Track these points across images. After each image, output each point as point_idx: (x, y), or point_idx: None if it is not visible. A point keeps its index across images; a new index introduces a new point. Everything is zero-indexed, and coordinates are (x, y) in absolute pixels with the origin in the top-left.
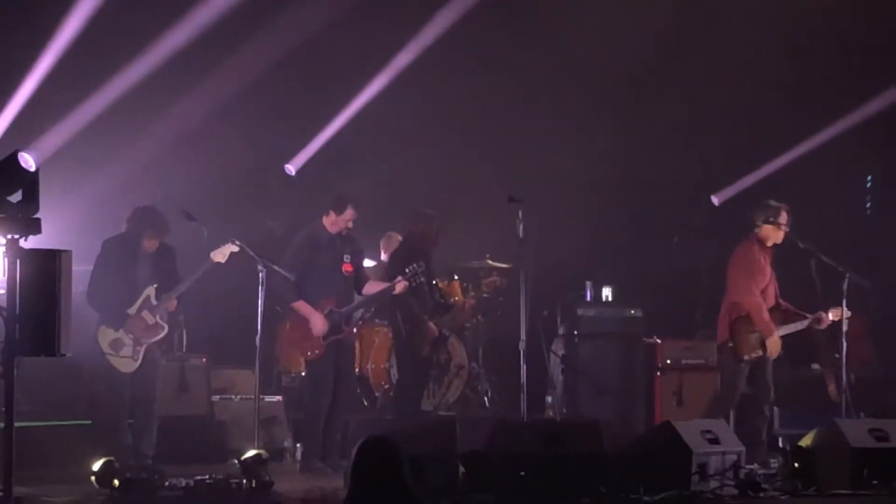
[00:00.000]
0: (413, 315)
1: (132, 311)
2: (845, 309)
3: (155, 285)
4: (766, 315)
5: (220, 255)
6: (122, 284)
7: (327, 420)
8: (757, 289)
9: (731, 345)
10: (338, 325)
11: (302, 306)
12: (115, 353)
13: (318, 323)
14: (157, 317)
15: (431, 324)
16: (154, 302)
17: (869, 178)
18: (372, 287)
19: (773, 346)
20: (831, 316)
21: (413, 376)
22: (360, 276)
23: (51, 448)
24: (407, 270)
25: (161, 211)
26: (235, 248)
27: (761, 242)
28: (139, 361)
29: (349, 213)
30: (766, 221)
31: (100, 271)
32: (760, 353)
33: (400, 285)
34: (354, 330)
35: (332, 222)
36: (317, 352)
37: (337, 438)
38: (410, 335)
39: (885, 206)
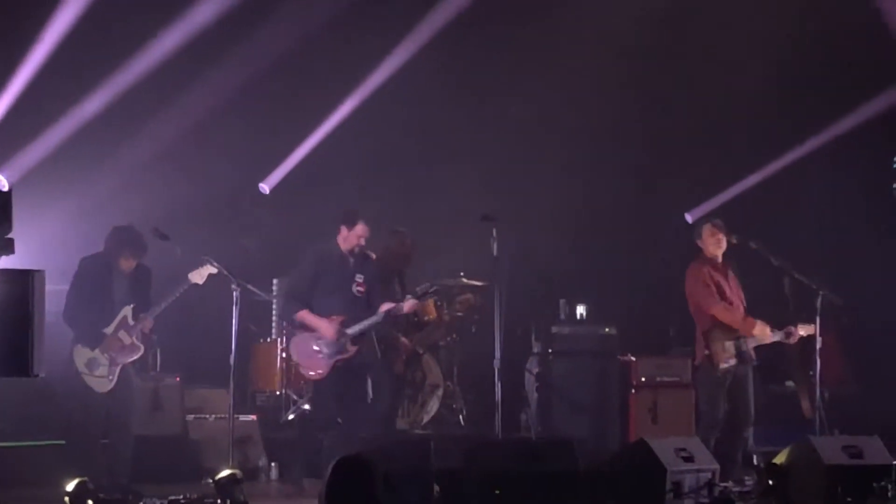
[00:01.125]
0: (386, 333)
1: (108, 330)
2: (817, 325)
3: (132, 305)
4: (738, 314)
5: (199, 276)
6: (99, 304)
7: (346, 437)
8: (715, 298)
9: (707, 353)
10: (344, 345)
11: (306, 316)
12: (90, 373)
13: (326, 328)
14: (133, 337)
15: (405, 339)
16: (131, 322)
17: None
18: (383, 307)
19: (761, 332)
20: (801, 331)
21: (387, 394)
22: (372, 297)
23: (24, 469)
24: (417, 290)
25: (139, 231)
26: (214, 270)
27: (710, 260)
28: (114, 381)
29: (360, 227)
30: (697, 238)
31: (76, 290)
32: (735, 361)
33: (408, 304)
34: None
35: (344, 238)
36: (320, 372)
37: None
38: (384, 353)
39: None
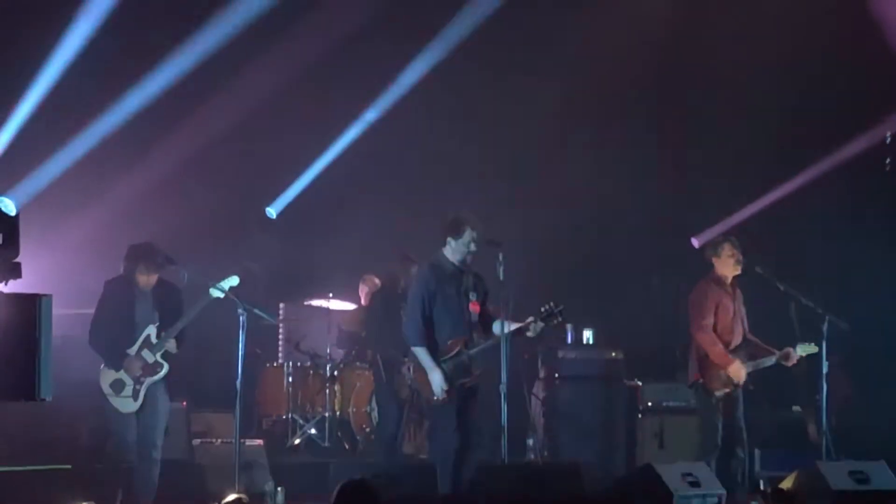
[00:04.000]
0: (391, 357)
1: (132, 351)
2: (823, 350)
3: (156, 324)
4: (719, 347)
5: (219, 291)
6: (121, 324)
7: (458, 463)
8: (707, 324)
9: (701, 381)
10: (468, 367)
11: (422, 354)
12: (115, 395)
13: (437, 380)
14: (157, 356)
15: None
16: (154, 341)
17: (889, 134)
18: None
19: (735, 373)
20: (799, 351)
21: (393, 419)
22: (486, 316)
23: (30, 493)
24: (543, 310)
25: (154, 246)
26: (235, 283)
27: (718, 280)
28: (139, 401)
29: (469, 233)
30: (714, 256)
31: (99, 312)
32: (731, 388)
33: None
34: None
35: (453, 251)
36: (444, 397)
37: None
38: (390, 378)
39: None
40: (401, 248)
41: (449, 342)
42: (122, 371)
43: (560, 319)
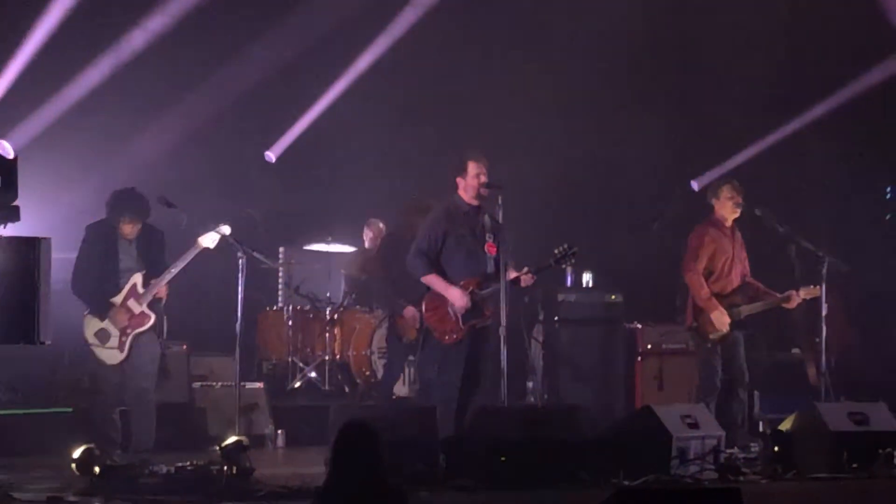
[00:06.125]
0: (391, 302)
1: (117, 300)
2: (822, 291)
3: (142, 272)
4: (705, 290)
5: (210, 240)
6: (105, 272)
7: (460, 405)
8: (697, 268)
9: (695, 325)
10: (479, 307)
11: (435, 280)
12: (100, 345)
13: (457, 296)
14: (144, 306)
15: (411, 307)
16: (141, 290)
17: (889, 189)
18: (510, 275)
19: (717, 319)
20: (801, 294)
21: (398, 365)
22: (502, 260)
23: (31, 436)
24: (556, 252)
25: (140, 193)
26: (227, 232)
27: (717, 222)
28: (125, 352)
29: (473, 167)
30: (713, 198)
31: (82, 259)
32: (725, 331)
33: (526, 278)
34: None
35: (465, 188)
36: (455, 336)
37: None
38: (393, 321)
39: None
40: (413, 199)
41: (461, 282)
42: (106, 321)
43: (573, 262)
